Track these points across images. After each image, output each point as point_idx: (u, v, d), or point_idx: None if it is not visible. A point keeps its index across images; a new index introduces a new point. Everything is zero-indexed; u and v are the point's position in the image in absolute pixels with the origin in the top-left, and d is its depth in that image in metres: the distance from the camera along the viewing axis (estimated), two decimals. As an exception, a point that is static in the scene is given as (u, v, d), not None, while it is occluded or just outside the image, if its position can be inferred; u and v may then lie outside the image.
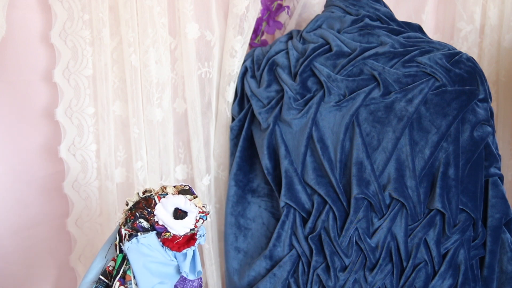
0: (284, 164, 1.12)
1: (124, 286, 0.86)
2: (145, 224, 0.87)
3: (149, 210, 0.87)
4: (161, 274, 0.86)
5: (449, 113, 1.06)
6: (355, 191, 1.06)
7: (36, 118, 1.16)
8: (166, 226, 0.86)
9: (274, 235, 1.12)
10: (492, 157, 1.11)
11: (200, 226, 0.88)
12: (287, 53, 1.22)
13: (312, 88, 1.15)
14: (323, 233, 1.10)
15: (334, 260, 1.09)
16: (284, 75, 1.18)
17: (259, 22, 1.37)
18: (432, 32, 1.51)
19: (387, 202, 1.08)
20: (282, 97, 1.16)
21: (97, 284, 0.88)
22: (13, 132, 1.15)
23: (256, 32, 1.38)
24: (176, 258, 0.88)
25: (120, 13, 1.11)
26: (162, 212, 0.86)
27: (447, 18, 1.50)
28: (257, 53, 1.27)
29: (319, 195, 1.10)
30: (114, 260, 0.88)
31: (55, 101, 1.14)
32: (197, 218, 0.86)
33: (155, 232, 0.87)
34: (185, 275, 0.87)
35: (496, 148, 1.13)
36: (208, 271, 1.30)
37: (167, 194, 0.87)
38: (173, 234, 0.87)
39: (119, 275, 0.86)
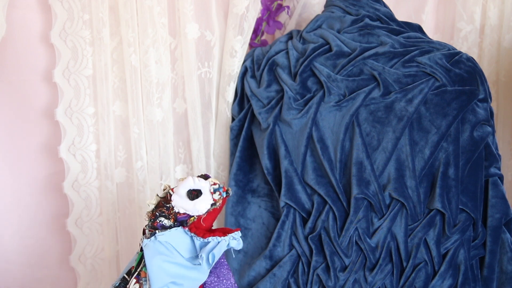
0: (284, 164, 1.12)
1: (139, 282, 0.87)
2: (166, 222, 0.87)
3: (168, 205, 0.87)
4: (176, 275, 0.85)
5: (449, 113, 1.06)
6: (355, 191, 1.06)
7: (36, 118, 1.16)
8: (187, 212, 0.87)
9: (274, 235, 1.12)
10: (492, 157, 1.11)
11: (220, 199, 0.87)
12: (287, 53, 1.22)
13: (312, 88, 1.15)
14: (323, 233, 1.10)
15: (334, 260, 1.09)
16: (284, 75, 1.18)
17: (259, 22, 1.37)
18: (432, 32, 1.51)
19: (387, 202, 1.08)
20: (282, 97, 1.16)
21: (120, 281, 0.90)
22: (13, 132, 1.15)
23: (256, 32, 1.38)
24: (200, 250, 0.87)
25: (120, 13, 1.11)
26: (178, 200, 0.87)
27: (447, 18, 1.50)
28: (257, 53, 1.27)
29: (319, 195, 1.10)
30: None
31: (55, 101, 1.14)
32: (212, 191, 0.86)
33: (176, 228, 0.87)
34: (200, 260, 0.85)
35: (496, 148, 1.13)
36: (208, 271, 1.30)
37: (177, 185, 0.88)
38: (197, 216, 0.87)
39: (136, 273, 0.87)
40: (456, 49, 1.13)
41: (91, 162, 1.18)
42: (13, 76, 1.12)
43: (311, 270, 1.10)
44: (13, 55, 1.11)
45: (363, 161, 1.07)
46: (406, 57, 1.11)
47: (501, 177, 1.12)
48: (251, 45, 1.37)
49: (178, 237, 0.87)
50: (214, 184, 0.87)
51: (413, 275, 1.08)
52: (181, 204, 0.87)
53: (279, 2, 1.40)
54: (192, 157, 1.24)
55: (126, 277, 0.89)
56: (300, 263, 1.11)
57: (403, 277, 1.09)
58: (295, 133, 1.13)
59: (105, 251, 1.23)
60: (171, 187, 0.89)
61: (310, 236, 1.10)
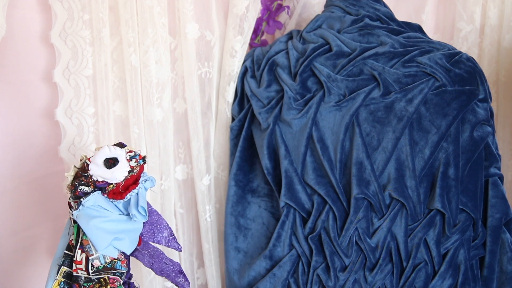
0: (284, 164, 1.12)
1: (84, 251, 0.87)
2: (87, 189, 0.88)
3: (86, 174, 0.89)
4: (115, 231, 0.87)
5: (449, 113, 1.06)
6: (355, 191, 1.06)
7: (36, 118, 1.16)
8: (105, 180, 0.88)
9: (274, 235, 1.12)
10: (492, 157, 1.11)
11: (138, 166, 0.89)
12: (287, 53, 1.22)
13: (312, 88, 1.15)
14: (323, 233, 1.10)
15: (334, 260, 1.09)
16: (284, 75, 1.18)
17: (259, 22, 1.37)
18: (432, 32, 1.51)
19: (387, 202, 1.08)
20: (282, 97, 1.16)
21: (63, 259, 0.91)
22: (13, 132, 1.15)
23: (256, 32, 1.38)
24: (126, 210, 0.89)
25: (120, 13, 1.11)
26: (95, 168, 0.88)
27: (447, 18, 1.50)
28: (257, 53, 1.27)
29: (319, 195, 1.10)
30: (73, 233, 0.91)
31: (55, 101, 1.14)
32: (128, 159, 0.88)
33: (98, 192, 0.88)
34: (135, 219, 0.87)
35: (496, 148, 1.13)
36: (208, 271, 1.30)
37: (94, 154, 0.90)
38: (116, 184, 0.88)
39: (78, 244, 0.88)
40: (456, 49, 1.13)
41: (91, 162, 1.18)
42: (13, 76, 1.12)
43: (311, 270, 1.10)
44: (13, 55, 1.11)
45: (363, 161, 1.07)
46: (406, 57, 1.11)
47: (501, 177, 1.12)
48: (251, 45, 1.37)
49: (102, 199, 0.88)
50: (130, 151, 0.89)
51: (413, 275, 1.08)
52: (98, 172, 0.88)
53: (279, 2, 1.40)
54: (192, 157, 1.24)
55: (68, 252, 0.90)
56: (300, 263, 1.11)
57: (403, 277, 1.09)
58: (295, 133, 1.13)
59: (105, 251, 1.23)
60: (88, 157, 0.90)
61: (310, 236, 1.10)
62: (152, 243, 0.96)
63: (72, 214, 0.89)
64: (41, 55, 1.13)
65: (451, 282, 1.08)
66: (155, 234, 0.94)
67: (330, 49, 1.17)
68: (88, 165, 0.89)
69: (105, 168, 0.88)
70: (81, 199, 0.87)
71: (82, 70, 1.13)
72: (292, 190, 1.11)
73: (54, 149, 1.16)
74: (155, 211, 0.96)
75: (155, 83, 1.16)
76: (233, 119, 1.25)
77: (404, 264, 1.08)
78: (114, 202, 0.88)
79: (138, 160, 0.89)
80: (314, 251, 1.10)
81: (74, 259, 0.88)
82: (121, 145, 0.90)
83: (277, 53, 1.23)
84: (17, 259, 1.21)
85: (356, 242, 1.08)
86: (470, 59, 1.10)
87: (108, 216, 0.87)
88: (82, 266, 0.88)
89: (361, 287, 1.09)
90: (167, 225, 0.96)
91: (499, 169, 1.12)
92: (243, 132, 1.21)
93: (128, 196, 0.88)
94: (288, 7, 1.39)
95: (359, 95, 1.09)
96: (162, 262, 0.96)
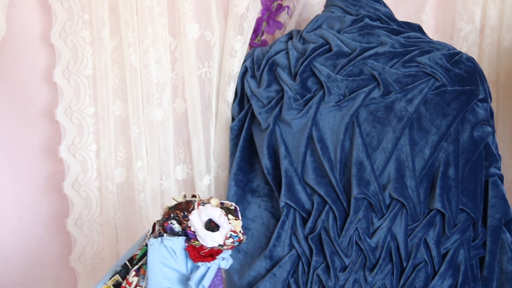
0: (284, 164, 1.12)
1: (138, 276, 0.87)
2: (176, 227, 0.87)
3: (185, 213, 0.87)
4: (172, 280, 0.86)
5: (449, 113, 1.06)
6: (355, 191, 1.06)
7: (36, 118, 1.16)
8: (196, 234, 0.86)
9: (274, 235, 1.12)
10: (492, 157, 1.11)
11: (229, 246, 0.87)
12: (287, 53, 1.22)
13: (312, 88, 1.15)
14: (323, 233, 1.10)
15: (334, 260, 1.09)
16: (284, 75, 1.18)
17: (259, 22, 1.37)
18: (432, 32, 1.51)
19: (387, 202, 1.08)
20: (282, 97, 1.16)
21: (121, 268, 0.90)
22: (13, 132, 1.15)
23: (256, 32, 1.38)
24: (191, 271, 0.88)
25: (120, 13, 1.11)
26: (196, 219, 0.86)
27: (447, 18, 1.49)
28: (257, 53, 1.27)
29: (319, 195, 1.10)
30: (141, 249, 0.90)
31: (55, 101, 1.14)
32: (227, 236, 0.86)
33: (183, 238, 0.87)
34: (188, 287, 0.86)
35: (496, 148, 1.13)
36: (208, 271, 1.30)
37: (208, 203, 0.87)
38: (201, 244, 0.87)
39: (137, 266, 0.88)
40: (456, 49, 1.13)
41: (91, 162, 1.18)
42: (13, 76, 1.12)
43: (311, 270, 1.10)
44: (13, 55, 1.11)
45: (363, 161, 1.07)
46: (406, 57, 1.11)
47: (501, 177, 1.12)
48: (251, 45, 1.37)
49: (180, 247, 0.87)
50: (234, 231, 0.86)
51: (413, 275, 1.08)
52: (196, 225, 0.86)
53: (279, 2, 1.40)
54: (192, 157, 1.24)
55: (128, 264, 0.90)
56: (300, 263, 1.11)
57: (403, 277, 1.09)
58: (295, 133, 1.13)
59: (105, 251, 1.23)
60: (200, 200, 0.88)
61: (310, 236, 1.10)
62: None
63: (148, 237, 0.88)
64: (41, 55, 1.13)
65: (451, 282, 1.08)
66: None
67: (330, 49, 1.17)
68: (193, 207, 0.87)
69: (203, 226, 0.86)
70: (164, 234, 0.86)
71: (82, 70, 1.13)
72: (292, 190, 1.11)
73: (54, 149, 1.16)
74: (220, 276, 0.93)
75: (155, 83, 1.16)
76: (233, 119, 1.25)
77: (404, 264, 1.08)
78: (187, 255, 0.87)
79: (235, 242, 0.87)
80: (314, 251, 1.10)
81: (128, 276, 0.87)
82: (233, 212, 0.87)
83: (277, 53, 1.23)
84: (17, 259, 1.21)
85: (356, 242, 1.08)
86: (470, 59, 1.10)
87: (175, 265, 0.86)
88: None
89: (361, 287, 1.09)
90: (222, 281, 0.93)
91: (499, 169, 1.12)
92: (243, 132, 1.21)
93: (200, 264, 0.86)
94: (288, 7, 1.39)
95: (359, 95, 1.09)
96: None
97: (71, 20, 1.10)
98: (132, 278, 0.87)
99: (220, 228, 0.86)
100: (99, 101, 1.15)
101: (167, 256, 0.86)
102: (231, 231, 0.86)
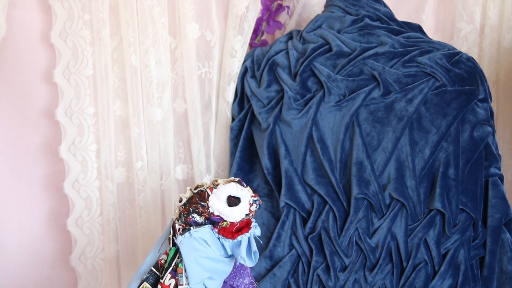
0: (284, 164, 1.12)
1: (175, 278, 0.87)
2: (198, 219, 0.88)
3: (203, 203, 0.88)
4: (211, 269, 0.87)
5: (449, 113, 1.06)
6: (355, 191, 1.06)
7: (36, 118, 1.16)
8: (221, 215, 0.88)
9: (274, 235, 1.12)
10: (492, 157, 1.11)
11: (254, 211, 0.89)
12: (287, 53, 1.22)
13: (312, 88, 1.15)
14: (323, 233, 1.10)
15: (334, 260, 1.09)
16: (284, 75, 1.18)
17: (259, 22, 1.37)
18: (432, 32, 1.51)
19: (387, 202, 1.08)
20: (282, 97, 1.16)
21: (148, 275, 0.90)
22: (13, 132, 1.15)
23: (256, 32, 1.38)
24: (232, 250, 0.89)
25: (120, 13, 1.11)
26: (216, 202, 0.88)
27: (447, 18, 1.49)
28: (257, 53, 1.27)
29: (319, 195, 1.10)
30: (167, 253, 0.90)
31: (55, 101, 1.14)
32: (251, 203, 0.88)
33: (209, 226, 0.88)
34: (242, 262, 0.87)
35: (496, 148, 1.13)
36: (208, 271, 1.30)
37: (218, 185, 0.89)
38: (230, 222, 0.88)
39: (170, 268, 0.88)
40: (456, 49, 1.13)
41: (91, 162, 1.18)
42: (13, 76, 1.12)
43: (311, 270, 1.10)
44: (13, 55, 1.11)
45: (363, 161, 1.07)
46: (406, 57, 1.11)
47: (501, 177, 1.12)
48: (251, 45, 1.37)
49: (210, 234, 0.88)
50: (254, 196, 0.89)
51: (413, 275, 1.08)
52: (218, 207, 0.88)
53: (279, 2, 1.40)
54: (192, 157, 1.24)
55: (155, 270, 0.90)
56: (300, 263, 1.11)
57: (403, 277, 1.09)
58: (295, 133, 1.13)
59: (105, 251, 1.23)
60: (209, 186, 0.90)
61: (310, 236, 1.10)
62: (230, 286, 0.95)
63: (175, 238, 0.88)
64: (41, 55, 1.13)
65: (451, 282, 1.08)
66: (237, 278, 0.94)
67: (330, 49, 1.17)
68: (208, 194, 0.88)
69: (226, 205, 0.87)
70: (190, 228, 0.87)
71: (82, 70, 1.13)
72: (292, 190, 1.11)
73: (54, 149, 1.16)
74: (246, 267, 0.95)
75: (155, 83, 1.16)
76: (233, 119, 1.25)
77: (404, 264, 1.08)
78: (221, 240, 0.88)
79: (257, 206, 0.89)
80: (314, 251, 1.10)
81: (162, 281, 0.88)
82: (241, 183, 0.90)
83: (277, 53, 1.23)
84: (18, 259, 1.21)
85: (356, 242, 1.08)
86: (470, 59, 1.10)
87: (208, 253, 0.87)
88: None
89: (361, 287, 1.09)
90: (250, 272, 0.95)
91: (499, 169, 1.12)
92: (243, 132, 1.21)
93: (240, 238, 0.88)
94: (288, 7, 1.39)
95: (359, 95, 1.09)
96: None
97: (71, 20, 1.10)
98: (169, 280, 0.87)
99: (242, 199, 0.88)
100: (99, 101, 1.15)
101: (199, 247, 0.86)
102: (252, 196, 0.88)
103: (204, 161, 1.24)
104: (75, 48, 1.12)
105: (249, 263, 0.88)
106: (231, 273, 0.93)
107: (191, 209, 0.88)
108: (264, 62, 1.23)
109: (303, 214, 1.12)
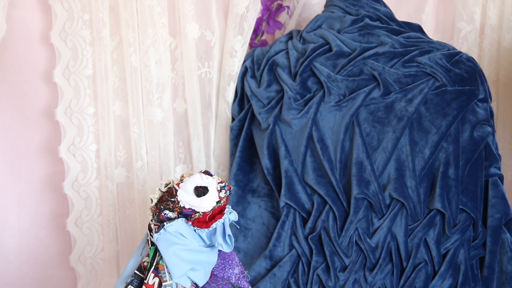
0: (284, 164, 1.12)
1: (158, 276, 0.87)
2: (171, 214, 0.88)
3: (173, 199, 0.89)
4: (193, 261, 0.87)
5: (449, 113, 1.06)
6: (355, 191, 1.06)
7: (36, 118, 1.16)
8: (192, 207, 0.88)
9: (274, 235, 1.12)
10: (492, 157, 1.11)
11: (226, 197, 0.89)
12: (287, 53, 1.22)
13: (312, 88, 1.15)
14: (323, 233, 1.10)
15: (334, 260, 1.09)
16: (284, 75, 1.18)
17: (259, 22, 1.37)
18: (432, 32, 1.51)
19: (387, 202, 1.08)
20: (282, 97, 1.16)
21: (133, 278, 0.90)
22: (13, 132, 1.15)
23: (256, 32, 1.38)
24: (210, 239, 0.89)
25: (120, 13, 1.11)
26: (185, 195, 0.88)
27: (447, 18, 1.50)
28: (257, 53, 1.27)
29: (319, 195, 1.10)
30: (148, 255, 0.90)
31: (55, 101, 1.14)
32: (219, 189, 0.88)
33: (182, 218, 0.88)
34: (220, 248, 0.87)
35: (496, 148, 1.13)
36: (208, 271, 1.30)
37: (183, 178, 0.90)
38: (202, 213, 0.88)
39: (153, 267, 0.88)
40: (456, 49, 1.13)
41: (91, 162, 1.18)
42: (13, 76, 1.12)
43: (311, 270, 1.10)
44: (13, 55, 1.11)
45: (363, 161, 1.07)
46: (406, 57, 1.11)
47: (501, 177, 1.12)
48: (251, 45, 1.37)
49: (185, 227, 0.88)
50: (221, 182, 0.89)
51: (413, 275, 1.08)
52: (187, 199, 0.88)
53: (279, 2, 1.40)
54: (192, 157, 1.24)
55: (138, 273, 0.90)
56: (300, 263, 1.11)
57: (403, 277, 1.09)
58: (295, 133, 1.13)
59: (105, 251, 1.23)
60: (176, 182, 0.90)
61: (310, 236, 1.10)
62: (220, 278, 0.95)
63: (151, 236, 0.89)
64: (41, 55, 1.13)
65: (451, 282, 1.08)
66: (226, 269, 0.94)
67: (330, 49, 1.17)
68: (175, 190, 0.89)
69: (195, 196, 0.88)
70: (164, 223, 0.87)
71: (82, 70, 1.13)
72: (292, 190, 1.11)
73: (54, 149, 1.16)
74: (235, 254, 0.96)
75: (155, 83, 1.16)
76: (233, 119, 1.25)
77: (404, 264, 1.08)
78: (197, 231, 0.88)
79: (227, 192, 0.89)
80: (314, 251, 1.10)
81: (145, 281, 0.88)
82: (208, 173, 0.90)
83: (277, 53, 1.23)
84: (18, 259, 1.21)
85: (356, 242, 1.08)
86: (470, 59, 1.10)
87: (187, 245, 0.87)
88: None
89: (361, 287, 1.09)
90: (239, 262, 0.95)
91: (499, 169, 1.12)
92: (243, 132, 1.21)
93: (214, 225, 0.88)
94: (288, 7, 1.39)
95: (359, 95, 1.09)
96: None
97: (71, 20, 1.10)
98: (153, 279, 0.87)
99: (209, 187, 0.88)
100: (99, 101, 1.15)
101: (176, 240, 0.86)
102: (219, 183, 0.88)
103: (204, 161, 1.24)
104: (75, 48, 1.12)
105: (226, 248, 0.88)
106: (219, 264, 0.93)
107: (162, 207, 0.88)
108: (264, 62, 1.23)
109: (303, 214, 1.12)
